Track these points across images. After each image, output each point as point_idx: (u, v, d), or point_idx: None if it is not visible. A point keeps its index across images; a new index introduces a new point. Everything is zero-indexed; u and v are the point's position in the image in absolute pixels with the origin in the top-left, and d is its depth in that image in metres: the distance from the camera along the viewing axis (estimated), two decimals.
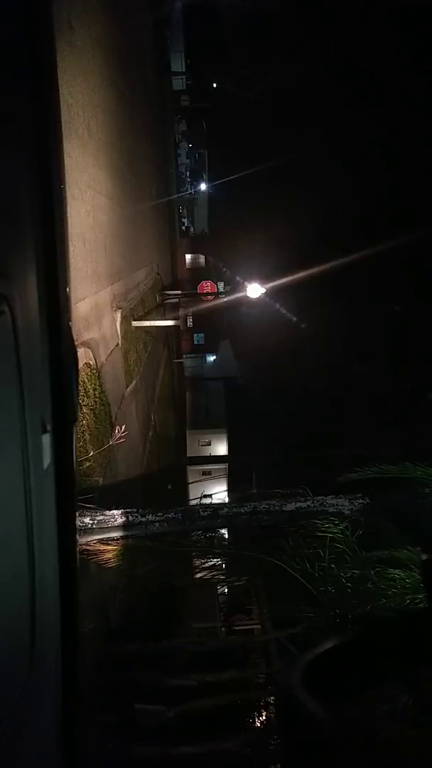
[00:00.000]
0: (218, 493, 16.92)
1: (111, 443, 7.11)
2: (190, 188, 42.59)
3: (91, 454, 6.42)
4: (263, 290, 16.29)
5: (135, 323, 11.42)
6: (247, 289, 16.34)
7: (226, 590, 8.55)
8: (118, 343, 9.42)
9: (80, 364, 6.52)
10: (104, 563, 4.45)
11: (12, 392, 1.05)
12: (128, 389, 10.23)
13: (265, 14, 33.08)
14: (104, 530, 4.47)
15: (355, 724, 0.78)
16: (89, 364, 7.08)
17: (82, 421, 6.40)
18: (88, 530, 4.43)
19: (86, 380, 6.86)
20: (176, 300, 21.02)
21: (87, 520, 4.44)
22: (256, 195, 34.13)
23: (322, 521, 4.42)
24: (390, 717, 3.37)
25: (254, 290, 16.19)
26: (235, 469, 24.35)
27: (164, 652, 5.27)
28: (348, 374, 28.33)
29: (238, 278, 21.40)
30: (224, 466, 26.32)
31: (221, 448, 29.92)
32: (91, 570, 4.82)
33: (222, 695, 4.80)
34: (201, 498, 11.06)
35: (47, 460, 1.22)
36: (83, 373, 6.74)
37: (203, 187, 43.54)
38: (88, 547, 4.40)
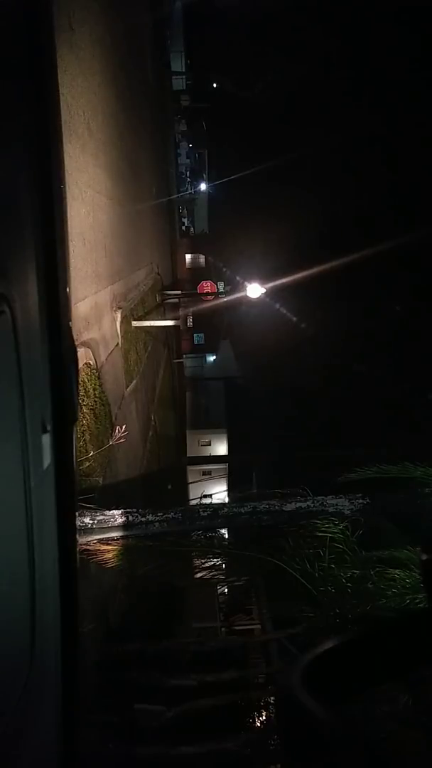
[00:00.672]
0: (218, 493, 16.91)
1: (111, 443, 7.10)
2: (190, 188, 42.61)
3: (91, 454, 6.42)
4: (263, 290, 16.28)
5: (135, 323, 11.42)
6: (247, 289, 16.34)
7: (226, 590, 8.55)
8: (118, 343, 9.42)
9: (80, 364, 6.52)
10: (104, 563, 4.45)
11: (12, 392, 1.05)
12: (128, 389, 10.22)
13: (265, 14, 33.09)
14: (104, 530, 4.47)
15: (355, 724, 0.78)
16: (89, 364, 7.08)
17: (82, 421, 6.40)
18: (88, 530, 4.43)
19: (86, 380, 6.86)
20: (176, 300, 21.01)
21: (87, 520, 4.44)
22: (256, 195, 34.14)
23: (322, 521, 4.42)
24: (390, 717, 3.37)
25: (254, 290, 16.19)
26: (235, 469, 24.34)
27: (164, 652, 5.28)
28: (348, 374, 28.32)
29: (238, 278, 21.40)
30: (224, 466, 26.30)
31: (221, 448, 29.92)
32: (91, 570, 4.82)
33: (222, 695, 4.81)
34: (201, 498, 11.07)
35: (47, 460, 1.22)
36: (83, 373, 6.74)
37: (203, 187, 43.56)
38: (88, 547, 4.40)
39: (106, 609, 6.35)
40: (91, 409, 6.90)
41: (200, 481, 23.60)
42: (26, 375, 1.08)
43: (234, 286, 20.41)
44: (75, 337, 1.67)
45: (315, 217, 29.46)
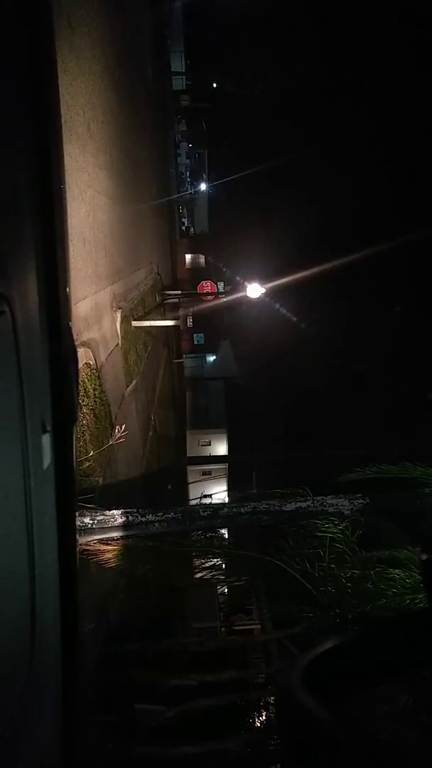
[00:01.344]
0: (218, 493, 16.89)
1: (111, 443, 7.10)
2: (190, 188, 42.61)
3: (91, 454, 6.42)
4: (263, 290, 16.29)
5: (135, 323, 11.42)
6: (247, 289, 16.34)
7: (226, 590, 8.54)
8: (118, 343, 9.42)
9: (80, 364, 6.52)
10: (104, 563, 4.44)
11: (12, 392, 1.05)
12: (128, 389, 10.22)
13: (265, 14, 33.10)
14: (104, 530, 4.47)
15: (355, 724, 0.78)
16: (89, 364, 7.08)
17: (82, 421, 6.40)
18: (88, 530, 4.43)
19: (86, 380, 6.85)
20: (176, 300, 21.00)
21: (87, 520, 4.44)
22: (255, 195, 34.15)
23: (322, 521, 4.42)
24: (390, 717, 3.37)
25: (254, 290, 16.19)
26: (235, 469, 24.35)
27: (164, 652, 5.28)
28: (348, 374, 28.33)
29: (238, 278, 21.39)
30: (224, 466, 26.31)
31: (221, 448, 29.95)
32: (91, 570, 4.82)
33: (222, 695, 4.80)
34: (201, 498, 11.05)
35: (47, 460, 1.22)
36: (83, 373, 6.74)
37: (203, 187, 43.55)
38: (88, 547, 4.40)
39: (106, 609, 6.35)
40: (91, 409, 6.90)
41: (200, 481, 23.60)
42: (26, 375, 1.08)
43: (234, 286, 20.42)
44: (75, 337, 1.67)
45: (315, 217, 29.48)
